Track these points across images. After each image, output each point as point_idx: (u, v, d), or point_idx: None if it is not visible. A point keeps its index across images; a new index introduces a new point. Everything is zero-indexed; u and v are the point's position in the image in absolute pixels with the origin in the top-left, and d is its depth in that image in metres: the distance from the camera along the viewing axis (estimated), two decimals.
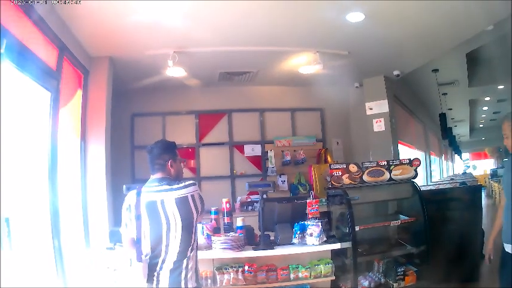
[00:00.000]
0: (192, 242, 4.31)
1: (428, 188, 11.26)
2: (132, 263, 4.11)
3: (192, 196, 4.33)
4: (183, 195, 4.28)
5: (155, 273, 4.10)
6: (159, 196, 4.21)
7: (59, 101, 6.91)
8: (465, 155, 44.58)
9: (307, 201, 6.47)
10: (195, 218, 4.32)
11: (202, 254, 5.28)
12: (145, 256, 4.11)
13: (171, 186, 4.33)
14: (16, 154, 5.56)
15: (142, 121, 12.13)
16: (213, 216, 6.49)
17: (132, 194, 4.25)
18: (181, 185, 4.39)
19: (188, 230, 4.24)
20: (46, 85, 6.52)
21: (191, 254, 4.31)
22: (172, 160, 4.57)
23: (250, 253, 6.06)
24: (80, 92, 8.28)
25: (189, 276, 4.21)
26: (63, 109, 7.15)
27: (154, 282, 4.09)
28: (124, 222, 4.25)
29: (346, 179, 7.04)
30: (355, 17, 7.74)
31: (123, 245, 4.39)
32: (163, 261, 4.13)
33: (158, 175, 4.44)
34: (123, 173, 11.06)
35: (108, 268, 6.17)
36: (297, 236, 6.19)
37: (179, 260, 4.17)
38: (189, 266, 4.25)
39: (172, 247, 4.14)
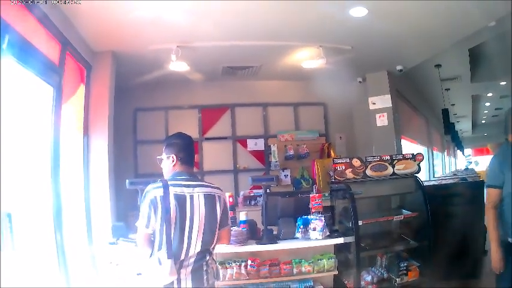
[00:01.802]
0: (214, 242, 4.27)
1: (431, 183, 11.25)
2: (162, 262, 3.88)
3: (219, 197, 4.31)
4: (211, 193, 4.26)
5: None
6: (189, 190, 4.14)
7: (62, 96, 6.90)
8: (467, 151, 44.45)
9: (311, 195, 6.48)
10: (218, 218, 4.26)
11: None
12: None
13: (201, 183, 4.33)
14: (18, 149, 5.57)
15: (145, 116, 12.15)
16: None
17: (155, 186, 4.09)
18: (210, 184, 4.39)
19: (212, 228, 4.19)
20: (49, 80, 6.52)
21: (212, 252, 4.29)
22: None
23: (253, 247, 6.11)
24: (82, 87, 8.28)
25: (209, 272, 4.18)
26: (65, 104, 7.15)
27: (175, 281, 3.96)
28: (145, 216, 4.05)
29: (349, 174, 7.04)
30: (358, 11, 7.73)
31: (138, 240, 4.23)
32: (184, 259, 4.02)
33: (190, 170, 4.41)
34: (126, 167, 11.04)
35: (110, 263, 6.17)
36: (300, 230, 6.22)
37: (201, 258, 4.12)
38: (209, 263, 4.22)
39: (195, 245, 4.06)
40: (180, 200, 4.03)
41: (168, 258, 3.87)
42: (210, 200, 4.20)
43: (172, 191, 4.04)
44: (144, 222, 4.04)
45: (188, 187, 4.15)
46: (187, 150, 4.40)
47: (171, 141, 4.46)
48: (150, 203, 4.01)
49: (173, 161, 4.35)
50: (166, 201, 3.97)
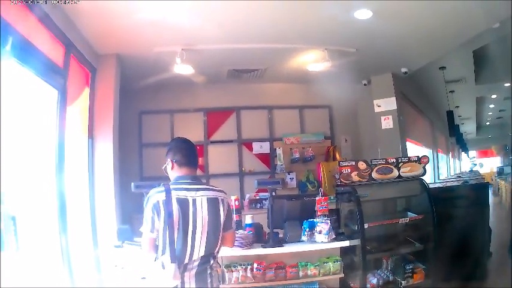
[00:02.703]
0: (218, 245, 4.22)
1: (436, 185, 11.23)
2: (165, 266, 3.87)
3: (222, 201, 4.25)
4: (215, 196, 4.21)
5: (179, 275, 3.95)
6: (192, 194, 4.09)
7: (66, 99, 6.91)
8: (472, 153, 44.48)
9: (316, 198, 6.47)
10: (222, 222, 4.21)
11: None
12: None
13: (204, 186, 4.27)
14: (23, 152, 5.57)
15: (150, 119, 12.18)
16: None
17: (157, 190, 4.05)
18: (213, 187, 4.34)
19: (215, 232, 4.14)
20: (53, 83, 6.54)
21: (216, 255, 4.25)
22: None
23: (259, 251, 6.08)
24: (87, 90, 8.31)
25: (213, 275, 4.15)
26: (70, 107, 7.16)
27: (179, 285, 3.91)
28: (148, 221, 4.03)
29: (355, 176, 7.04)
30: (363, 14, 7.74)
31: (143, 246, 4.17)
32: (188, 263, 3.98)
33: (191, 172, 4.34)
34: (131, 170, 11.08)
35: (115, 266, 6.16)
36: (306, 233, 6.20)
37: (204, 262, 4.08)
38: (213, 267, 4.18)
39: (199, 249, 4.02)
40: (183, 204, 4.00)
41: (171, 262, 3.85)
42: (213, 203, 4.16)
43: (175, 195, 4.01)
44: (148, 227, 4.02)
45: (191, 191, 4.11)
46: (182, 153, 4.35)
47: (168, 147, 4.45)
48: (153, 207, 3.98)
49: (172, 166, 4.35)
50: (169, 205, 3.94)
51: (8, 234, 4.70)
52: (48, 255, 6.16)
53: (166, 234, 3.93)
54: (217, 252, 4.26)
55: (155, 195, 4.02)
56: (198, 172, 9.91)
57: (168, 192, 3.99)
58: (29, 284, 5.15)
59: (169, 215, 3.92)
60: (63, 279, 6.37)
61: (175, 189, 4.06)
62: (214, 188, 4.32)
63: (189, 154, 4.38)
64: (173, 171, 4.35)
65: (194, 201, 4.05)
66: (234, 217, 4.66)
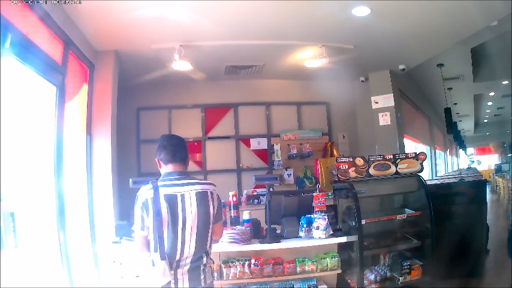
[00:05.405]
0: (209, 239, 4.23)
1: (434, 182, 11.24)
2: (155, 263, 3.89)
3: (212, 193, 4.27)
4: (203, 190, 4.21)
5: (172, 272, 3.96)
6: (180, 189, 4.09)
7: (65, 95, 6.91)
8: (470, 150, 44.41)
9: (314, 194, 6.49)
10: (211, 215, 4.22)
11: None
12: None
13: (192, 180, 4.25)
14: (22, 148, 5.57)
15: (148, 115, 12.16)
16: None
17: (146, 188, 4.05)
18: (201, 180, 4.34)
19: (205, 226, 4.16)
20: (52, 79, 6.53)
21: (208, 250, 4.25)
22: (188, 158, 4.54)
23: (256, 246, 6.08)
24: (85, 86, 8.30)
25: (206, 271, 4.16)
26: (68, 103, 7.16)
27: (172, 281, 3.94)
28: (138, 219, 4.04)
29: (352, 173, 7.01)
30: (361, 11, 7.74)
31: (136, 244, 4.17)
32: (180, 259, 4.00)
33: (178, 168, 4.32)
34: (128, 167, 11.10)
35: (114, 262, 6.16)
36: (303, 229, 6.20)
37: (197, 258, 4.09)
38: (206, 262, 4.19)
39: (190, 244, 4.04)
40: (171, 200, 4.01)
41: (161, 260, 3.88)
42: (202, 197, 4.17)
43: (163, 191, 4.02)
44: (139, 225, 4.04)
45: (179, 186, 4.13)
46: (165, 150, 4.33)
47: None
48: (142, 205, 4.00)
49: (159, 164, 4.39)
50: (157, 202, 3.95)
51: (6, 231, 4.71)
52: (46, 251, 6.17)
53: (156, 232, 3.95)
54: (210, 247, 4.28)
55: (144, 193, 4.04)
56: (196, 168, 9.96)
57: (155, 189, 4.01)
58: (27, 280, 5.16)
59: (157, 212, 3.94)
60: (61, 275, 6.37)
61: (163, 185, 4.09)
62: (202, 181, 4.34)
63: (173, 150, 4.36)
64: (161, 169, 4.38)
65: (183, 196, 4.07)
66: (223, 210, 4.64)
